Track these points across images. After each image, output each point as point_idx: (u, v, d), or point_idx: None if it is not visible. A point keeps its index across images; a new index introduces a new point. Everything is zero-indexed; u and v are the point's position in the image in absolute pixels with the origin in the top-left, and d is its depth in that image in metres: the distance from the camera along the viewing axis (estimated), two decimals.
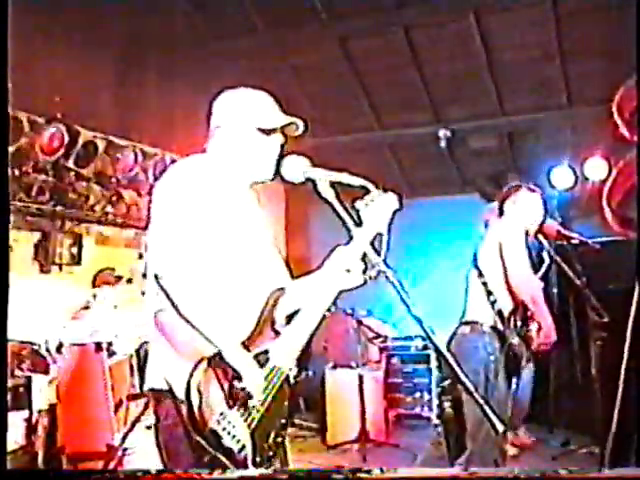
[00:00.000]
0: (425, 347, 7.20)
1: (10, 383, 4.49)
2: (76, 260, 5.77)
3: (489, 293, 3.84)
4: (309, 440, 6.50)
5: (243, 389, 2.06)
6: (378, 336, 7.03)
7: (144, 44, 6.40)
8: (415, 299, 2.04)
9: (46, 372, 4.84)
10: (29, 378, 4.75)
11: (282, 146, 2.35)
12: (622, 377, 3.48)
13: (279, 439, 2.18)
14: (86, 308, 5.47)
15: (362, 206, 2.22)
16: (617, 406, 3.51)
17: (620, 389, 3.51)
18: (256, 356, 2.15)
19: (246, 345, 2.14)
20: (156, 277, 2.10)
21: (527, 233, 4.02)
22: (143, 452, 4.52)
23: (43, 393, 4.78)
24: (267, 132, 2.32)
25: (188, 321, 2.06)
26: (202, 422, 2.01)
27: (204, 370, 2.04)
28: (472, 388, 1.94)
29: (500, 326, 3.79)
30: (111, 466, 4.34)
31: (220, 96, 2.40)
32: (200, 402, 2.02)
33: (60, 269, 5.70)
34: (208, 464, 2.00)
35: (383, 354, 7.09)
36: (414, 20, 6.76)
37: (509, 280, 3.82)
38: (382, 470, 1.71)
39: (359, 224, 2.20)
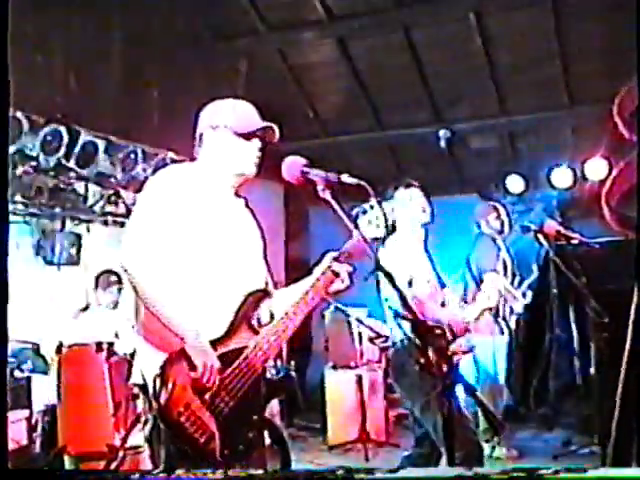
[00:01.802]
0: None
1: (11, 383, 4.49)
2: (75, 260, 5.76)
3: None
4: (310, 440, 6.50)
5: (197, 380, 2.13)
6: (378, 336, 7.03)
7: (144, 44, 6.40)
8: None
9: (46, 372, 4.85)
10: (30, 378, 4.75)
11: (262, 150, 2.45)
12: (622, 377, 3.48)
13: (251, 434, 2.23)
14: (86, 308, 5.48)
15: (360, 213, 2.28)
16: (617, 406, 3.51)
17: (620, 389, 3.50)
18: (230, 352, 2.22)
19: (219, 342, 2.22)
20: (124, 270, 2.21)
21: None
22: (145, 452, 4.52)
23: (44, 393, 4.78)
24: (245, 136, 2.41)
25: (154, 312, 2.18)
26: (168, 413, 2.10)
27: (172, 362, 2.14)
28: (473, 388, 1.95)
29: None
30: (112, 466, 4.34)
31: (203, 108, 2.52)
32: (167, 393, 2.10)
33: (58, 269, 5.70)
34: (176, 454, 2.09)
35: (383, 354, 7.08)
36: (414, 20, 6.76)
37: None
38: (382, 470, 1.71)
39: (356, 228, 2.26)
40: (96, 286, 5.50)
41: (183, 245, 2.26)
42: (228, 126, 2.42)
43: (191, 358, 2.13)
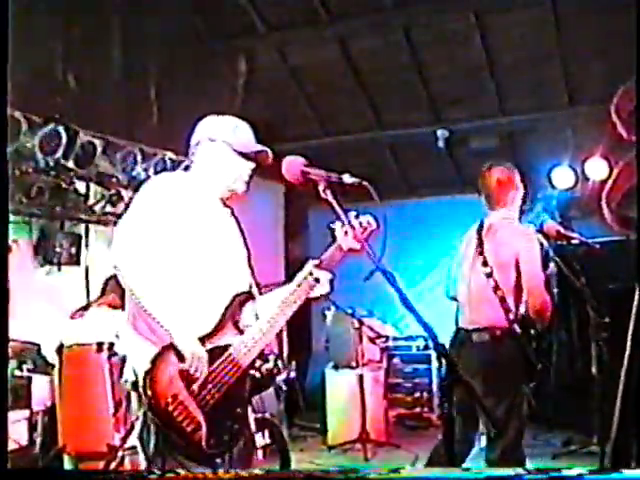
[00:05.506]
0: (426, 347, 7.21)
1: (11, 383, 4.49)
2: (75, 260, 5.76)
3: None
4: (310, 440, 6.50)
5: (186, 370, 2.27)
6: (379, 336, 7.03)
7: (144, 44, 6.39)
8: (414, 299, 2.04)
9: (47, 372, 4.84)
10: (30, 378, 4.75)
11: (254, 171, 2.59)
12: (623, 377, 3.48)
13: (236, 426, 2.36)
14: (86, 308, 5.47)
15: (338, 227, 2.40)
16: (618, 406, 3.51)
17: (621, 389, 3.50)
18: (216, 349, 2.37)
19: (206, 338, 2.37)
20: (115, 267, 2.37)
21: None
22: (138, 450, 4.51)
23: (44, 393, 4.78)
24: (241, 155, 2.54)
25: (144, 308, 2.31)
26: (157, 403, 2.23)
27: (162, 356, 2.27)
28: (473, 388, 1.94)
29: None
30: (112, 466, 4.34)
31: (203, 119, 2.64)
32: (156, 385, 2.23)
33: (59, 269, 5.69)
34: (164, 444, 2.22)
35: (384, 354, 7.09)
36: (414, 20, 6.76)
37: None
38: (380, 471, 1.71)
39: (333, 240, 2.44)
40: (104, 289, 5.48)
41: (172, 248, 2.41)
42: (227, 142, 2.53)
43: (179, 350, 2.27)
